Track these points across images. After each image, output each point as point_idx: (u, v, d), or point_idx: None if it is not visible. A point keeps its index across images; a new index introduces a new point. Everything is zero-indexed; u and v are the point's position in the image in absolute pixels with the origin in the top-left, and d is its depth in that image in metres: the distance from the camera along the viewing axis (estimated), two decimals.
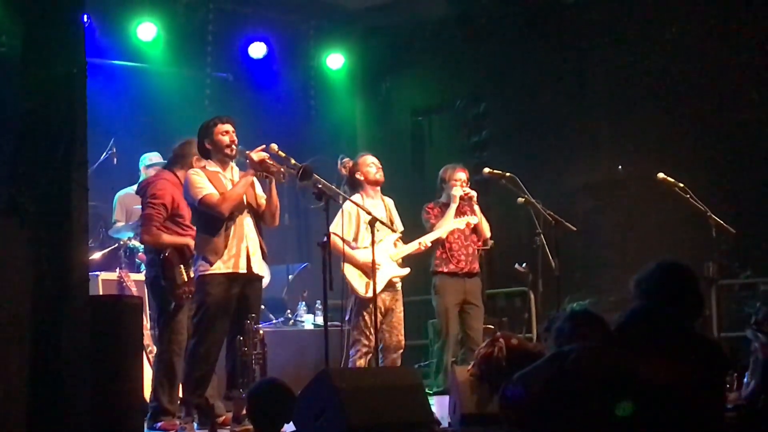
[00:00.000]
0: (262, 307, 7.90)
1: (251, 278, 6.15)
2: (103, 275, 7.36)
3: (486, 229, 7.56)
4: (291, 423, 5.13)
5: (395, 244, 7.02)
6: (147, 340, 6.75)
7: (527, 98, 10.43)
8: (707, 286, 7.08)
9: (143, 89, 10.32)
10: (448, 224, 7.36)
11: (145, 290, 6.84)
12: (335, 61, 11.49)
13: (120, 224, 8.09)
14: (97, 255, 7.95)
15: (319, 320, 8.61)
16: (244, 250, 6.08)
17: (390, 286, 6.90)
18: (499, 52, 10.63)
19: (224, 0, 10.66)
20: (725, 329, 7.30)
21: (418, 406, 5.22)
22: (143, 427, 5.56)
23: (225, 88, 10.93)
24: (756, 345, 5.05)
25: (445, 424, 5.75)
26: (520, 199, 7.37)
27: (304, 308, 9.47)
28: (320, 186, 6.04)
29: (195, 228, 6.14)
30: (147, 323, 6.91)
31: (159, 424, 5.89)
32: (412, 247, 7.09)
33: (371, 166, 7.01)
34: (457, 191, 7.45)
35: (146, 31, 10.11)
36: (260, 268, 6.21)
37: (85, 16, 4.79)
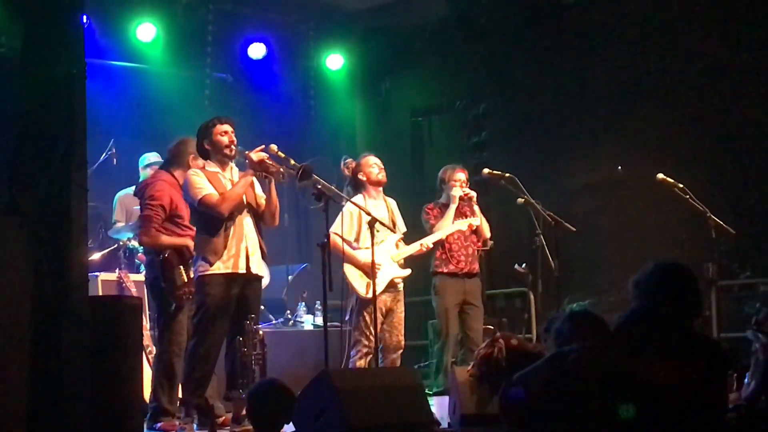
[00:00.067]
0: (262, 307, 7.90)
1: (251, 278, 6.15)
2: (103, 276, 7.35)
3: (486, 230, 7.56)
4: (291, 423, 5.13)
5: (397, 245, 7.03)
6: (146, 340, 6.75)
7: (527, 99, 10.43)
8: (707, 286, 7.07)
9: (143, 90, 10.32)
10: (449, 225, 7.36)
11: (145, 291, 6.84)
12: (335, 61, 11.49)
13: (120, 225, 8.09)
14: (96, 255, 7.94)
15: (319, 321, 8.62)
16: (243, 250, 6.08)
17: (391, 286, 6.91)
18: (498, 53, 10.63)
19: (224, 0, 10.66)
20: (725, 330, 7.30)
21: (417, 407, 5.22)
22: (143, 428, 5.56)
23: (224, 88, 10.92)
24: (757, 345, 5.05)
25: (444, 424, 5.74)
26: (520, 200, 7.37)
27: (304, 309, 9.47)
28: (320, 186, 6.04)
29: (194, 228, 6.14)
30: (146, 324, 6.91)
31: (159, 424, 5.89)
32: (414, 248, 7.10)
33: (374, 166, 7.02)
34: (457, 192, 7.46)
35: (146, 31, 10.11)
36: (260, 268, 6.21)
37: (85, 17, 4.78)
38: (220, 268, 6.01)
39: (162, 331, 6.05)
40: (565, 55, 10.07)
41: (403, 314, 7.01)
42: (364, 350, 6.73)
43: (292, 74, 11.39)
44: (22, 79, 4.39)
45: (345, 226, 6.88)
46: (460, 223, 7.36)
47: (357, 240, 6.85)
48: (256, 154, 6.13)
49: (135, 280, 7.31)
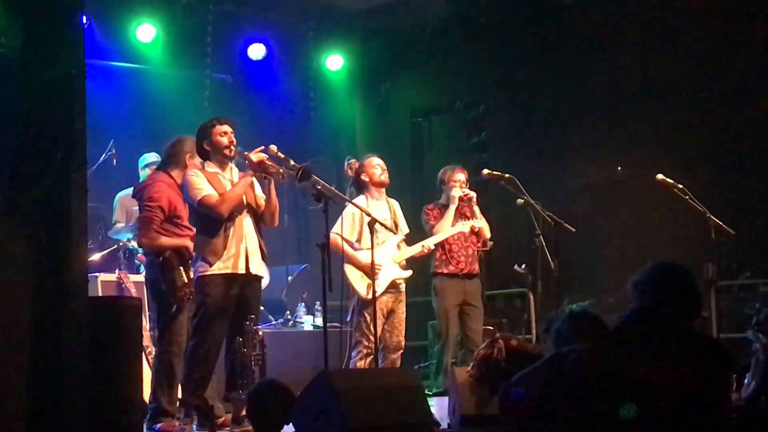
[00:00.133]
0: (262, 308, 7.90)
1: (250, 279, 6.15)
2: (103, 276, 7.35)
3: (486, 231, 7.56)
4: (290, 424, 5.13)
5: (399, 246, 7.03)
6: (146, 341, 6.74)
7: (527, 99, 10.43)
8: (707, 287, 7.08)
9: (142, 90, 10.32)
10: (449, 226, 7.35)
11: (145, 291, 6.84)
12: (334, 62, 11.48)
13: (120, 225, 8.09)
14: (96, 256, 7.94)
15: (319, 321, 8.62)
16: (243, 250, 6.09)
17: (393, 287, 6.91)
18: (498, 53, 10.63)
19: (223, 1, 10.66)
20: (724, 330, 7.30)
21: (417, 408, 5.22)
22: (142, 428, 5.56)
23: (224, 89, 10.92)
24: (757, 346, 5.04)
25: (444, 425, 5.75)
26: (520, 200, 7.37)
27: (304, 309, 9.47)
28: (319, 187, 6.04)
29: (193, 228, 6.13)
30: (146, 324, 6.91)
31: (158, 425, 5.88)
32: (415, 249, 7.11)
33: (377, 167, 7.04)
34: (457, 192, 7.46)
35: (145, 32, 10.11)
36: (259, 268, 6.21)
37: (85, 18, 4.79)
38: (219, 268, 6.02)
39: (162, 331, 6.05)
40: (565, 56, 10.08)
41: (404, 315, 7.02)
42: (365, 351, 6.74)
43: (291, 75, 11.38)
44: (22, 79, 4.39)
45: (346, 226, 6.89)
46: (462, 225, 7.36)
47: (358, 241, 6.86)
48: (255, 155, 6.13)
49: (135, 281, 7.30)
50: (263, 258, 6.27)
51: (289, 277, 10.01)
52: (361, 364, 6.73)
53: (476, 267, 7.54)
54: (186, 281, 5.96)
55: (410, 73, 11.61)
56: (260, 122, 10.33)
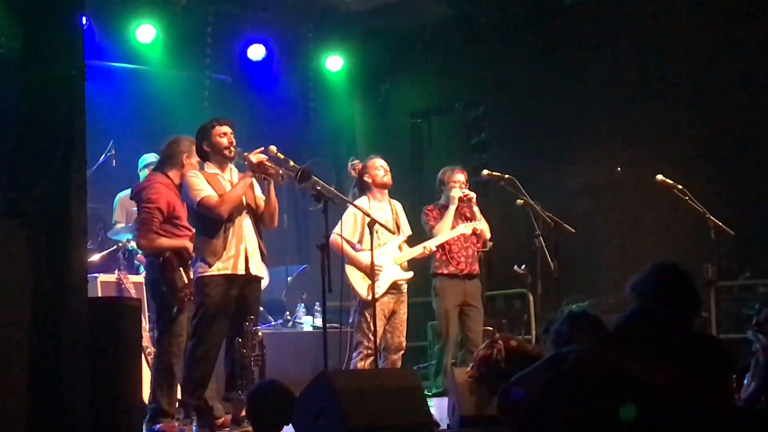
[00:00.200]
0: (261, 308, 7.89)
1: (250, 279, 6.16)
2: (102, 277, 7.34)
3: (486, 231, 7.56)
4: (290, 425, 5.13)
5: (400, 248, 7.04)
6: (146, 341, 6.74)
7: (526, 100, 10.43)
8: (706, 287, 7.06)
9: (142, 91, 10.32)
10: (449, 227, 7.35)
11: (144, 292, 6.84)
12: (334, 63, 11.49)
13: (119, 226, 8.09)
14: (96, 257, 7.94)
15: (318, 322, 8.61)
16: (242, 251, 6.09)
17: (394, 288, 6.92)
18: (498, 54, 10.63)
19: (223, 2, 10.66)
20: (724, 331, 7.29)
21: (417, 408, 5.23)
22: (142, 429, 5.56)
23: (224, 90, 10.93)
24: (757, 346, 5.04)
25: (444, 425, 5.75)
26: (519, 201, 7.37)
27: (303, 310, 9.47)
28: (319, 188, 6.04)
29: (192, 229, 6.13)
30: (146, 325, 6.91)
31: (158, 426, 5.87)
32: (417, 251, 7.12)
33: (379, 169, 7.05)
34: (456, 193, 7.46)
35: (145, 33, 10.11)
36: (259, 269, 6.22)
37: (84, 18, 4.79)
38: (219, 269, 6.02)
39: (161, 332, 6.05)
40: (565, 56, 10.08)
41: (405, 316, 7.03)
42: (366, 352, 6.74)
43: (291, 75, 11.39)
44: (21, 79, 4.39)
45: (348, 227, 6.90)
46: (464, 227, 7.36)
47: (360, 242, 6.86)
48: (255, 156, 6.13)
49: (134, 282, 7.30)
50: (263, 259, 6.27)
51: (289, 278, 10.01)
52: (361, 364, 6.74)
53: (476, 267, 7.55)
54: (186, 282, 5.96)
55: (410, 74, 11.62)
56: (260, 123, 10.33)
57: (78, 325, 4.36)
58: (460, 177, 7.58)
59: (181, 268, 5.96)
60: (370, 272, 6.44)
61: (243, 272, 6.08)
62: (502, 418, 3.96)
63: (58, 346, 4.26)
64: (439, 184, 7.68)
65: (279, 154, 6.22)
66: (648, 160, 8.72)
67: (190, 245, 6.06)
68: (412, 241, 7.21)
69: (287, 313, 9.48)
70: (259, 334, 6.08)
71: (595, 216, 9.72)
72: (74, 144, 4.40)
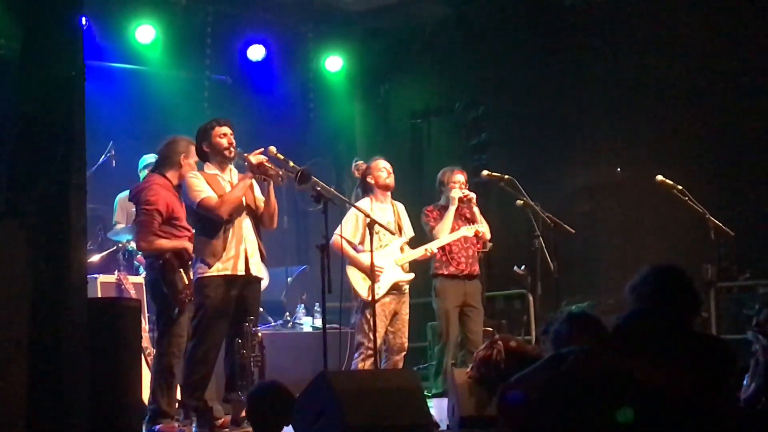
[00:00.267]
0: (261, 309, 7.89)
1: (250, 280, 6.16)
2: (102, 278, 7.35)
3: (486, 232, 7.56)
4: (290, 425, 5.13)
5: (402, 249, 7.05)
6: (145, 342, 6.74)
7: (526, 100, 10.43)
8: (706, 288, 7.06)
9: (142, 92, 10.33)
10: (448, 228, 7.34)
11: (144, 292, 6.83)
12: (334, 63, 11.49)
13: (120, 226, 8.08)
14: (95, 257, 7.94)
15: (318, 323, 8.62)
16: (242, 252, 6.09)
17: (395, 289, 6.93)
18: (497, 55, 10.63)
19: (223, 2, 10.66)
20: (724, 331, 7.29)
21: (416, 409, 5.22)
22: (141, 430, 5.56)
23: (224, 90, 10.93)
24: (757, 347, 5.04)
25: (443, 426, 5.75)
26: (519, 202, 7.37)
27: (303, 311, 9.48)
28: (319, 188, 6.04)
29: (191, 229, 6.12)
30: (145, 326, 6.91)
31: (157, 426, 5.87)
32: (418, 252, 7.12)
33: (382, 170, 7.06)
34: (456, 193, 7.45)
35: (145, 33, 10.12)
36: (259, 270, 6.22)
37: (84, 19, 4.78)
38: (219, 269, 6.02)
39: (162, 333, 6.04)
40: (565, 57, 10.07)
41: (407, 316, 7.04)
42: (367, 352, 6.74)
43: (291, 76, 11.39)
44: (21, 80, 4.38)
45: (349, 228, 6.91)
46: (467, 230, 7.36)
47: (361, 243, 6.86)
48: (255, 157, 6.13)
49: (134, 282, 7.30)
50: (262, 259, 6.28)
51: (289, 279, 10.01)
52: (362, 365, 6.74)
53: (476, 268, 7.54)
54: (186, 283, 5.95)
55: (410, 75, 11.62)
56: (260, 123, 10.34)
57: (78, 326, 4.35)
58: (460, 177, 7.57)
59: (181, 270, 5.96)
60: (370, 273, 6.44)
61: (243, 273, 6.09)
62: (502, 419, 3.96)
63: (58, 347, 4.25)
64: (439, 185, 7.67)
65: (279, 155, 6.22)
66: (648, 161, 8.72)
67: (189, 246, 6.05)
68: (414, 243, 7.21)
69: (287, 313, 9.48)
70: (259, 334, 6.09)
71: (594, 216, 9.72)
72: (74, 144, 4.39)
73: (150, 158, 8.02)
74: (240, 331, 6.01)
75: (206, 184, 6.08)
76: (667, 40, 9.38)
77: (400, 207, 7.20)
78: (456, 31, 10.84)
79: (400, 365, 6.97)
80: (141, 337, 5.68)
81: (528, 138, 10.47)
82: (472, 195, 7.52)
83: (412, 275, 7.05)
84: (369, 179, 7.07)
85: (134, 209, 7.21)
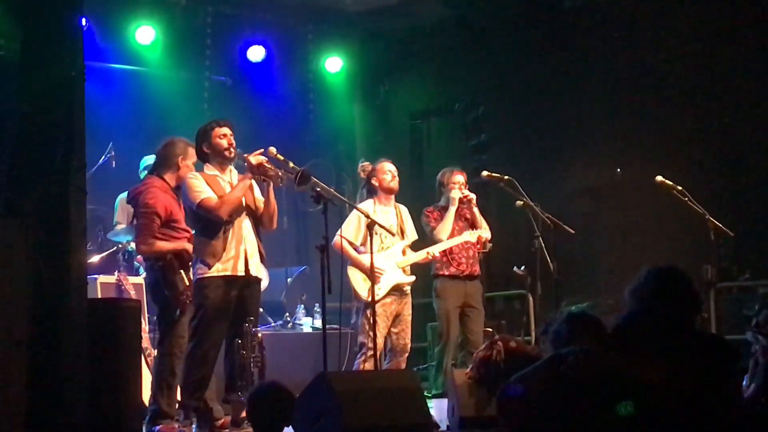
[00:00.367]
0: (261, 310, 7.89)
1: (249, 281, 6.16)
2: (102, 278, 7.35)
3: (486, 232, 7.56)
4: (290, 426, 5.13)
5: (404, 252, 7.05)
6: (145, 343, 6.74)
7: (526, 101, 10.43)
8: (706, 289, 7.07)
9: (142, 92, 10.33)
10: (449, 229, 7.33)
11: (144, 293, 6.83)
12: (334, 64, 11.49)
13: (120, 227, 8.08)
14: (95, 258, 7.95)
15: (318, 323, 8.62)
16: (242, 253, 6.09)
17: (396, 290, 6.92)
18: (497, 55, 10.63)
19: (223, 3, 10.66)
20: (724, 332, 7.29)
21: (416, 409, 5.22)
22: (141, 430, 5.56)
23: (224, 91, 10.94)
24: (756, 347, 5.05)
25: (443, 427, 5.75)
26: (519, 202, 7.37)
27: (303, 311, 9.48)
28: (318, 189, 6.04)
29: (190, 230, 6.12)
30: (145, 326, 6.91)
31: (157, 427, 5.86)
32: (420, 255, 7.12)
33: (387, 173, 7.06)
34: (456, 194, 7.44)
35: (145, 34, 10.12)
36: (258, 270, 6.22)
37: (84, 20, 4.78)
38: (218, 270, 6.02)
39: (163, 333, 6.03)
40: (564, 57, 10.08)
41: (410, 317, 7.04)
42: (369, 353, 6.73)
43: (291, 77, 11.39)
44: (21, 81, 4.39)
45: (351, 229, 6.92)
46: (469, 234, 7.35)
47: (363, 244, 6.86)
48: (254, 158, 6.13)
49: (134, 283, 7.30)
50: (262, 260, 6.28)
51: (289, 279, 10.01)
52: (365, 365, 6.74)
53: (477, 268, 7.54)
54: (187, 284, 5.95)
55: (409, 75, 11.62)
56: (259, 124, 10.33)
57: (78, 326, 4.36)
58: (460, 178, 7.57)
59: (181, 271, 5.95)
60: (370, 274, 6.44)
61: (242, 274, 6.09)
62: (502, 419, 3.96)
63: (57, 347, 4.26)
64: (439, 186, 7.67)
65: (278, 156, 6.22)
66: (648, 161, 8.71)
67: (189, 247, 6.04)
68: (415, 245, 7.21)
69: (287, 314, 9.49)
70: (259, 335, 6.08)
71: (594, 217, 9.72)
72: (74, 145, 4.40)
73: (151, 159, 7.99)
74: (240, 331, 6.01)
75: (206, 184, 6.08)
76: (667, 41, 9.39)
77: (404, 210, 7.20)
78: (456, 32, 10.84)
79: (403, 366, 6.98)
80: (141, 338, 5.68)
81: (528, 138, 10.47)
82: (473, 196, 7.52)
83: (412, 278, 7.05)
84: (373, 181, 7.08)
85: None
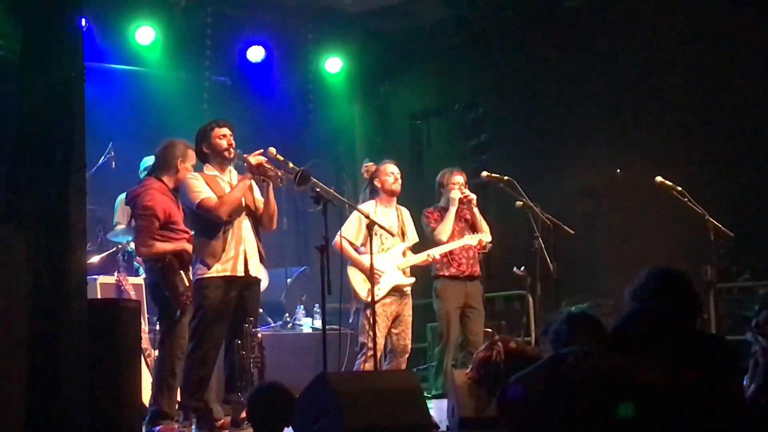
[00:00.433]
0: (261, 310, 7.90)
1: (249, 281, 6.16)
2: (102, 279, 7.35)
3: (486, 233, 7.56)
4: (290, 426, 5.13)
5: (404, 254, 7.05)
6: (145, 343, 6.74)
7: (526, 101, 10.43)
8: (705, 289, 7.07)
9: (141, 93, 10.33)
10: (449, 230, 7.33)
11: (144, 293, 6.82)
12: (333, 64, 11.49)
13: (120, 227, 8.08)
14: (95, 258, 7.95)
15: (318, 324, 8.62)
16: (241, 253, 6.09)
17: (396, 291, 6.93)
18: (497, 56, 10.63)
19: (222, 4, 10.66)
20: (724, 333, 7.29)
21: (416, 410, 5.22)
22: (141, 431, 5.56)
23: (223, 91, 10.94)
24: (756, 348, 5.05)
25: (443, 427, 5.75)
26: (519, 203, 7.37)
27: (303, 312, 9.48)
28: (318, 189, 6.04)
29: (189, 231, 6.11)
30: (145, 327, 6.91)
31: (157, 428, 5.86)
32: (420, 258, 7.12)
33: (390, 175, 7.06)
34: (456, 194, 7.44)
35: (145, 34, 10.12)
36: (258, 271, 6.22)
37: (84, 20, 4.78)
38: (218, 271, 6.02)
39: (164, 334, 6.02)
40: (564, 58, 10.07)
41: (410, 318, 7.05)
42: (369, 353, 6.73)
43: (290, 77, 11.39)
44: (21, 82, 4.39)
45: (352, 229, 6.92)
46: (470, 239, 7.34)
47: (364, 244, 6.86)
48: (254, 158, 6.14)
49: (134, 283, 7.30)
50: (261, 260, 6.28)
51: (288, 280, 10.01)
52: (365, 366, 6.74)
53: (477, 269, 7.53)
54: (187, 285, 5.95)
55: (409, 76, 11.62)
56: (259, 125, 10.33)
57: (77, 327, 4.36)
58: (459, 179, 7.56)
59: (181, 271, 5.95)
60: (370, 275, 6.44)
61: (242, 274, 6.09)
62: (502, 419, 3.96)
63: (57, 348, 4.26)
64: (438, 186, 7.66)
65: (278, 156, 6.22)
66: (647, 162, 8.71)
67: (189, 247, 6.04)
68: (417, 248, 7.21)
69: (287, 314, 9.49)
70: (259, 336, 6.08)
71: (594, 217, 9.72)
72: (73, 146, 4.40)
73: (151, 160, 7.98)
74: (240, 332, 6.01)
75: (206, 185, 6.08)
76: (667, 41, 9.39)
77: (405, 212, 7.20)
78: (455, 32, 10.83)
79: (403, 366, 6.99)
80: (140, 338, 5.68)
81: (528, 139, 10.47)
82: (473, 196, 7.51)
83: (412, 279, 7.06)
84: (376, 182, 7.08)
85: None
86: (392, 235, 6.91)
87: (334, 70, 11.53)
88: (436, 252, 7.20)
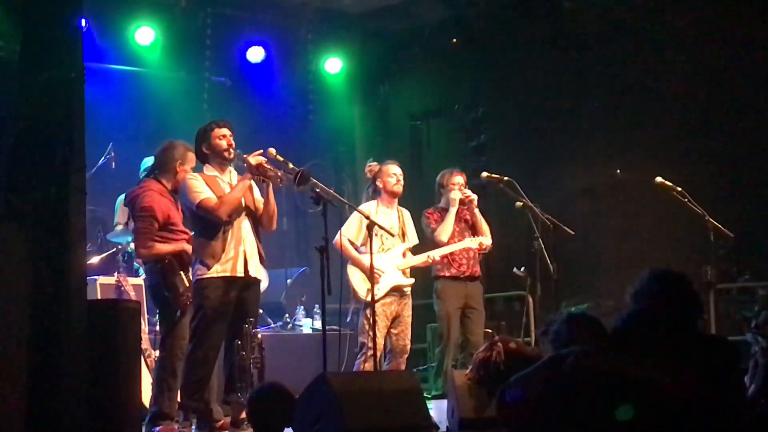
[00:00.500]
0: (261, 311, 7.89)
1: (249, 282, 6.15)
2: (102, 279, 7.35)
3: (486, 233, 7.55)
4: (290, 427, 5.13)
5: (404, 255, 7.05)
6: (145, 344, 6.74)
7: (526, 102, 10.43)
8: (705, 290, 7.07)
9: (141, 93, 10.33)
10: (449, 231, 7.33)
11: (144, 294, 6.82)
12: (333, 65, 11.48)
13: (120, 228, 8.07)
14: (95, 259, 7.95)
15: (318, 324, 8.62)
16: (241, 253, 6.09)
17: (396, 291, 6.93)
18: (497, 56, 10.63)
19: (222, 4, 10.66)
20: (723, 333, 7.29)
21: (416, 410, 5.22)
22: (141, 431, 5.55)
23: (223, 92, 10.93)
24: (756, 349, 5.05)
25: (443, 428, 5.75)
26: (519, 203, 7.37)
27: (303, 312, 9.47)
28: (318, 190, 6.04)
29: (188, 232, 6.11)
30: (145, 328, 6.91)
31: (157, 428, 5.87)
32: (420, 259, 7.13)
33: (392, 176, 7.07)
34: (456, 195, 7.43)
35: (144, 35, 10.12)
36: (258, 271, 6.22)
37: (84, 20, 4.78)
38: (218, 271, 6.02)
39: (165, 335, 6.03)
40: (564, 58, 10.07)
41: (410, 319, 7.05)
42: (369, 353, 6.74)
43: (290, 78, 11.39)
44: (20, 82, 4.39)
45: (353, 229, 6.93)
46: (471, 241, 7.34)
47: (364, 244, 6.86)
48: (254, 158, 6.14)
49: (134, 284, 7.30)
50: (261, 261, 6.28)
51: (288, 280, 10.01)
52: (365, 366, 6.74)
53: (477, 269, 7.53)
54: (187, 285, 5.95)
55: (409, 76, 11.62)
56: (259, 125, 10.33)
57: (77, 328, 4.35)
58: (459, 179, 7.56)
59: (181, 272, 5.95)
60: (369, 275, 6.44)
61: (242, 275, 6.08)
62: (501, 420, 3.96)
63: (57, 348, 4.25)
64: (438, 187, 7.65)
65: (278, 157, 6.22)
66: (647, 162, 8.72)
67: (188, 247, 6.05)
68: (417, 249, 7.21)
69: (286, 315, 9.48)
70: (259, 336, 6.08)
71: (594, 218, 9.71)
72: (73, 146, 4.39)
73: (151, 161, 8.01)
74: (239, 332, 6.00)
75: (205, 185, 6.08)
76: (667, 42, 9.38)
77: (406, 213, 7.21)
78: (455, 32, 10.83)
79: (403, 367, 6.99)
80: (140, 339, 5.68)
81: (528, 139, 10.47)
82: (474, 196, 7.50)
83: (412, 280, 7.06)
84: (378, 182, 7.08)
85: None
86: (392, 235, 6.91)
87: (334, 71, 11.52)
88: (436, 254, 7.20)
